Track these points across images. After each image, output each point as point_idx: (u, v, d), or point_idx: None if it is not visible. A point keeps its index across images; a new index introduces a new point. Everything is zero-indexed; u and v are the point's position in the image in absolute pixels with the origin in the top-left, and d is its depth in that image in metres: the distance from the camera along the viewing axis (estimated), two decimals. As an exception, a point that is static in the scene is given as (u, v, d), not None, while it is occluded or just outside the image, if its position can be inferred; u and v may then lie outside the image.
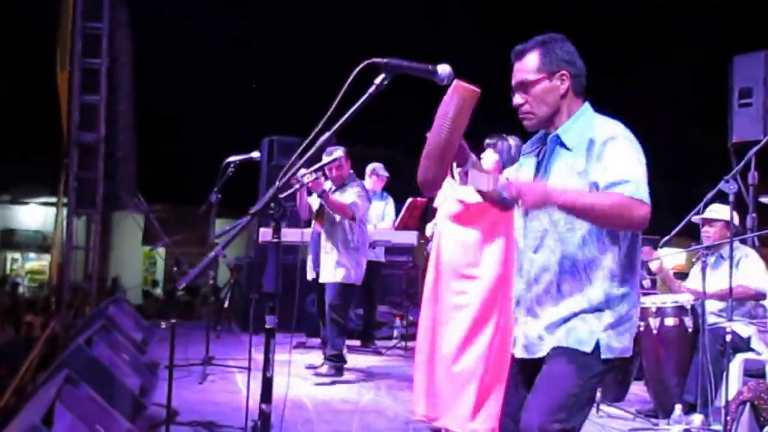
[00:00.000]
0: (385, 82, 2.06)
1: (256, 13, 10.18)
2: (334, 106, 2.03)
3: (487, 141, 4.11)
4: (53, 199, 15.30)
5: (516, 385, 2.38)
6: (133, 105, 8.46)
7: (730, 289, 4.10)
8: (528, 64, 2.27)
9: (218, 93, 10.81)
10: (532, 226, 2.30)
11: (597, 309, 2.20)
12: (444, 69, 2.15)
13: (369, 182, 6.88)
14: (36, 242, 17.17)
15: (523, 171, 2.41)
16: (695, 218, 4.81)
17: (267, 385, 2.10)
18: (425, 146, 2.31)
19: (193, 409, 4.44)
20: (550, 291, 2.25)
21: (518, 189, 2.09)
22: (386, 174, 7.09)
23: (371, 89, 2.05)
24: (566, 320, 2.22)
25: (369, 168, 7.00)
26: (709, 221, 4.80)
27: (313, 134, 2.09)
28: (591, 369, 2.19)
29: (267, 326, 2.10)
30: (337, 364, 5.44)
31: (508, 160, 4.13)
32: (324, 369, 5.44)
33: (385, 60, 2.06)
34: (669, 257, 5.42)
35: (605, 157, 2.16)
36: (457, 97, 2.24)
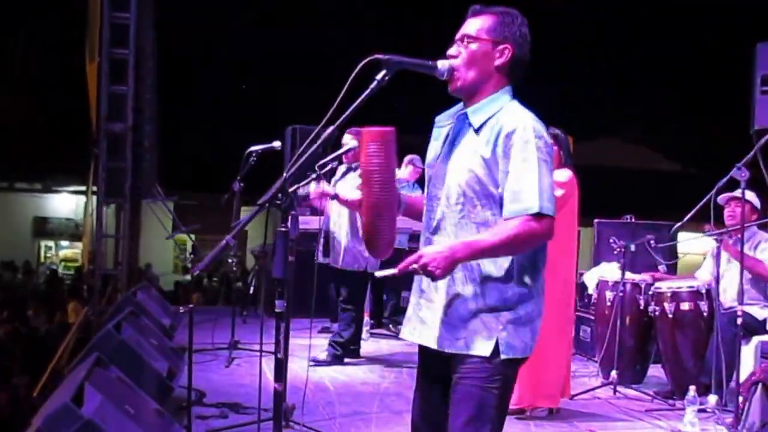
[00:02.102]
0: (387, 78, 2.13)
1: (280, 2, 10.27)
2: (338, 100, 2.13)
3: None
4: (84, 188, 15.69)
5: (419, 372, 2.37)
6: (158, 94, 8.63)
7: (742, 271, 4.14)
8: (480, 23, 2.23)
9: (243, 82, 10.95)
10: (432, 205, 2.27)
11: (493, 308, 2.14)
12: (443, 64, 2.21)
13: (405, 171, 6.93)
14: (69, 230, 17.59)
15: (434, 146, 2.34)
16: (720, 199, 4.82)
17: (279, 365, 2.22)
18: (369, 209, 2.23)
19: (220, 391, 4.62)
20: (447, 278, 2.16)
21: (423, 264, 2.05)
22: (422, 166, 7.12)
23: (373, 85, 2.12)
24: (463, 318, 2.15)
25: (407, 158, 7.06)
26: (735, 200, 4.82)
27: (318, 128, 2.20)
28: (494, 372, 2.13)
29: (276, 310, 2.22)
30: (336, 351, 5.48)
31: (567, 154, 4.29)
32: (323, 356, 5.46)
33: (387, 56, 2.12)
34: (693, 242, 5.46)
35: (509, 157, 2.11)
36: (380, 145, 2.18)
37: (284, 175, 2.19)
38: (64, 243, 18.10)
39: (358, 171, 5.43)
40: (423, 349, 2.30)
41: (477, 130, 2.19)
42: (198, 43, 10.22)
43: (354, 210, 5.31)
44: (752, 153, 4.11)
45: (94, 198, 8.16)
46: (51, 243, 18.13)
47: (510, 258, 2.14)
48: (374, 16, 9.68)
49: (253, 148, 5.26)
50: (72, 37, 9.06)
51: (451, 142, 2.25)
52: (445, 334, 2.18)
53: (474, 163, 2.16)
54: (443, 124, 2.33)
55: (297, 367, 4.41)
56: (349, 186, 5.40)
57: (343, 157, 5.45)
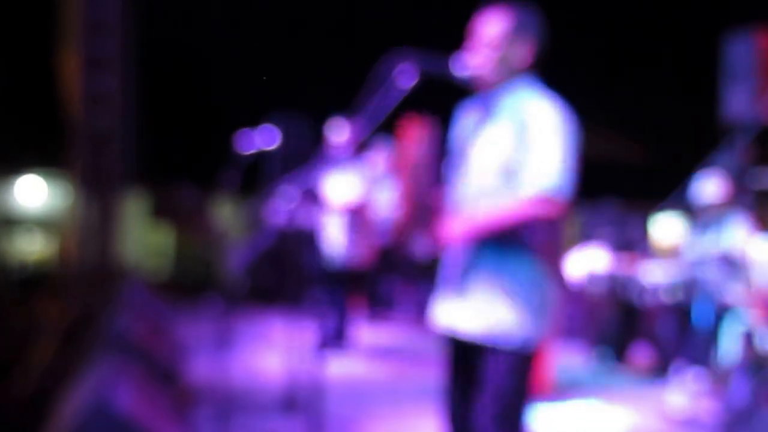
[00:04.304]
0: (414, 84, 2.25)
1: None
2: (369, 106, 2.23)
3: None
4: (56, 180, 15.40)
5: (449, 363, 2.44)
6: (139, 86, 8.58)
7: (723, 256, 4.38)
8: (499, 24, 2.33)
9: (220, 74, 10.89)
10: (457, 186, 2.38)
11: (523, 293, 2.25)
12: (465, 67, 2.33)
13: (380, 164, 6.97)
14: (39, 224, 17.27)
15: (458, 130, 2.47)
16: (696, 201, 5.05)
17: (318, 357, 2.33)
18: (409, 201, 2.37)
19: (220, 384, 4.69)
20: (473, 264, 2.29)
21: (442, 236, 2.20)
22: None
23: (401, 92, 2.24)
24: (493, 305, 2.26)
25: (375, 148, 7.11)
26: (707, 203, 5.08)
27: (345, 133, 2.31)
28: (523, 361, 2.25)
29: (314, 305, 2.33)
30: (348, 346, 5.65)
31: None
32: (343, 353, 5.61)
33: (413, 61, 2.24)
34: (668, 228, 5.74)
35: (529, 138, 2.22)
36: (423, 141, 2.33)
37: (315, 174, 2.31)
38: (33, 237, 17.79)
39: (349, 166, 5.58)
40: (451, 340, 2.40)
41: (501, 115, 2.31)
42: (180, 35, 10.13)
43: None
44: (732, 144, 4.34)
45: (75, 193, 8.12)
46: (19, 237, 17.79)
47: (537, 242, 2.26)
48: (362, 11, 9.71)
49: (247, 147, 5.27)
50: (43, 27, 8.92)
51: (477, 125, 2.38)
52: (475, 321, 2.29)
53: (500, 145, 2.28)
54: (468, 112, 2.46)
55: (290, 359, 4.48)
56: (341, 180, 5.49)
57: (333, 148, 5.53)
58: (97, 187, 7.67)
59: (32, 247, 17.64)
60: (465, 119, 2.47)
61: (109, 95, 7.60)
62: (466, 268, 2.31)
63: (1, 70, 11.57)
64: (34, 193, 16.97)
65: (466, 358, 2.35)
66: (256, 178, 9.49)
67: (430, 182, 2.39)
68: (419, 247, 6.91)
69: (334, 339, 5.64)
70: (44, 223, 16.82)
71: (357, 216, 5.50)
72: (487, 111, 2.36)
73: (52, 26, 8.22)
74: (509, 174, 2.26)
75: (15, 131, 13.11)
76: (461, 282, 2.33)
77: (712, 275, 4.88)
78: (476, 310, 2.28)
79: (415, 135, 2.20)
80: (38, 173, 16.20)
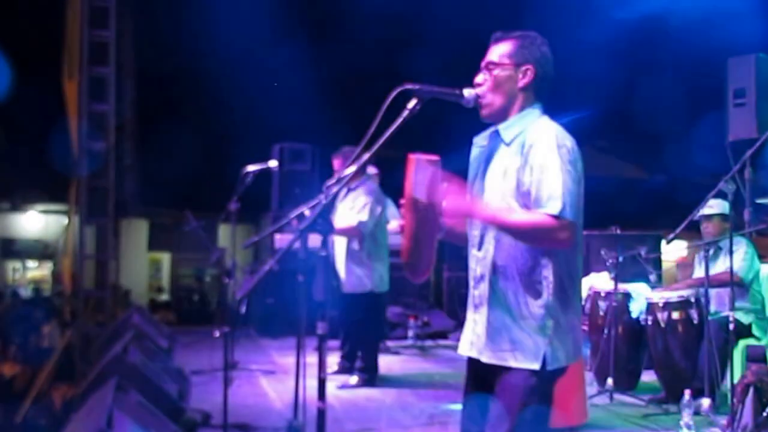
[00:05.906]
0: (418, 108, 2.22)
1: (258, 18, 10.29)
2: (371, 130, 2.20)
3: None
4: (54, 207, 15.40)
5: (466, 383, 2.43)
6: (136, 111, 8.62)
7: (731, 277, 4.33)
8: (501, 49, 2.35)
9: (220, 101, 10.94)
10: (474, 222, 2.36)
11: (538, 318, 2.22)
12: (470, 92, 2.31)
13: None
14: (36, 251, 17.23)
15: (473, 165, 2.46)
16: (696, 216, 5.04)
17: (322, 384, 2.28)
18: (412, 235, 2.32)
19: (224, 411, 4.61)
20: (490, 290, 2.28)
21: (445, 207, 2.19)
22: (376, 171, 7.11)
23: (405, 114, 2.21)
24: (509, 330, 2.25)
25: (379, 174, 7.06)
26: (706, 217, 5.06)
27: (353, 157, 2.28)
28: (540, 385, 2.22)
29: (318, 332, 2.28)
30: (366, 375, 5.56)
31: None
32: (354, 380, 5.56)
33: (417, 86, 2.22)
34: (672, 250, 5.70)
35: (533, 164, 2.21)
36: (426, 173, 2.25)
37: (324, 201, 2.26)
38: (31, 264, 17.72)
39: (355, 193, 5.55)
40: (473, 362, 2.37)
41: (508, 145, 2.31)
42: (177, 59, 10.17)
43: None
44: (738, 166, 4.32)
45: (74, 217, 8.09)
46: (18, 264, 17.72)
47: (550, 268, 2.22)
48: (360, 33, 9.77)
49: (249, 168, 5.26)
50: (46, 54, 8.98)
51: (487, 158, 2.38)
52: (492, 346, 2.27)
53: (508, 176, 2.27)
54: (480, 144, 2.45)
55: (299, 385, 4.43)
56: (347, 207, 5.47)
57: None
58: (95, 209, 7.63)
59: (33, 274, 17.63)
60: (476, 152, 2.46)
61: (105, 114, 7.62)
62: (487, 296, 2.28)
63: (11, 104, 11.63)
64: (36, 221, 16.98)
65: (486, 384, 2.31)
66: (260, 206, 9.48)
67: (435, 218, 2.33)
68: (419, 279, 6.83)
69: (375, 370, 5.60)
70: (45, 250, 16.81)
71: (363, 242, 5.47)
72: (497, 142, 2.35)
73: (60, 54, 8.26)
74: (522, 203, 2.24)
75: (22, 164, 13.13)
76: (482, 309, 2.31)
77: (720, 297, 4.83)
78: (497, 336, 2.26)
79: (422, 170, 2.17)
80: (43, 204, 16.23)
